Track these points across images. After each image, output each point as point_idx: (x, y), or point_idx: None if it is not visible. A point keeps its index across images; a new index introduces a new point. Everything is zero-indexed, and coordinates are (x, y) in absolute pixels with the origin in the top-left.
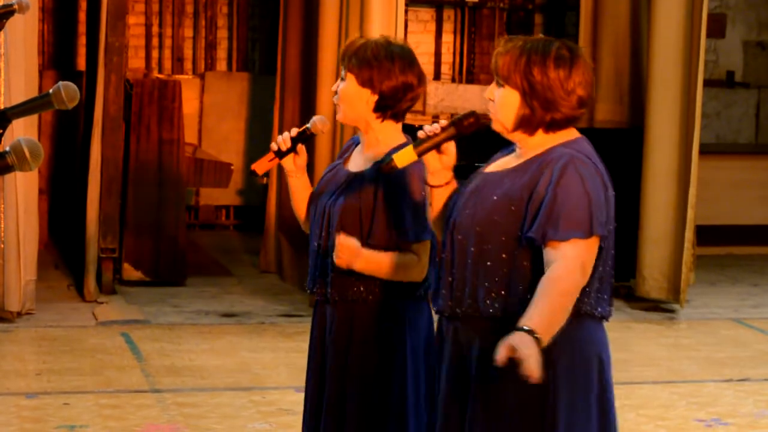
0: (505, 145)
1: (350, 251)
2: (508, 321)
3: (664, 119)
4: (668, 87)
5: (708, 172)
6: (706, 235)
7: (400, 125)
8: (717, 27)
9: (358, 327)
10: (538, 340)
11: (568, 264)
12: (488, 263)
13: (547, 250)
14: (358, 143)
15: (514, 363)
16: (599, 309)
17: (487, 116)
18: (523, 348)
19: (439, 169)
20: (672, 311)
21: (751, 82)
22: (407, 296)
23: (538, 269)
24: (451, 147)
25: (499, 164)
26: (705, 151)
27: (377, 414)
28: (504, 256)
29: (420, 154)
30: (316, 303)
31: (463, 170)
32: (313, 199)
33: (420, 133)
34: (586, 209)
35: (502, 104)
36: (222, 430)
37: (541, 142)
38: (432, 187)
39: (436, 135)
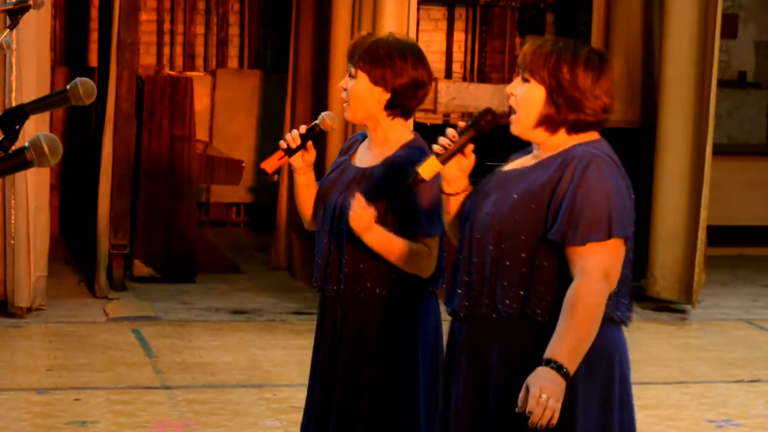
0: (521, 147)
1: (367, 217)
2: (527, 322)
3: (677, 119)
4: (681, 87)
5: (719, 172)
6: (717, 235)
7: (409, 122)
8: (729, 27)
9: (371, 324)
10: (564, 374)
11: (590, 278)
12: (507, 262)
13: (568, 254)
14: (363, 138)
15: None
16: (617, 313)
17: (504, 113)
18: (546, 393)
19: (457, 176)
20: (682, 311)
21: (762, 83)
22: (418, 292)
23: (557, 268)
24: (470, 149)
25: (517, 163)
26: (716, 151)
27: (390, 412)
28: (523, 255)
29: (444, 163)
30: (323, 300)
31: (478, 170)
32: (323, 196)
33: (436, 147)
34: (605, 211)
35: (525, 99)
36: (232, 427)
37: (562, 143)
38: (449, 195)
39: (455, 141)
